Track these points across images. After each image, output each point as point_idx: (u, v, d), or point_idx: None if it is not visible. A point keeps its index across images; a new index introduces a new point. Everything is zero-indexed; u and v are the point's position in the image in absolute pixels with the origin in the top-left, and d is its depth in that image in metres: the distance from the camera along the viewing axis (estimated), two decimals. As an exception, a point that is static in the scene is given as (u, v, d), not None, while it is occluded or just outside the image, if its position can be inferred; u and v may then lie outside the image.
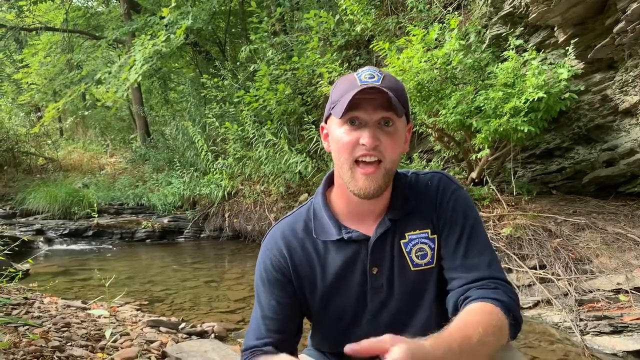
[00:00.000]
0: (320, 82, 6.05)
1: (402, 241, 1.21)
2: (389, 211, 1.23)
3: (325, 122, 1.24)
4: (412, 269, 1.21)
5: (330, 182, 1.31)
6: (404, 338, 0.85)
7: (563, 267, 3.56)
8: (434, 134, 4.92)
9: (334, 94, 1.18)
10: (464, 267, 1.16)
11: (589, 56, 3.97)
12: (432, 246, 1.21)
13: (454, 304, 1.14)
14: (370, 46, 5.39)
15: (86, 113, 15.90)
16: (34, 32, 13.75)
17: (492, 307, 1.05)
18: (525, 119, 3.81)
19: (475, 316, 1.03)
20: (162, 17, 8.46)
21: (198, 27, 8.48)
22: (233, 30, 12.48)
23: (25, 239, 4.58)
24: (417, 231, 1.22)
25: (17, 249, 4.51)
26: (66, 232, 7.90)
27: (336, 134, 1.16)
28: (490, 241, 1.26)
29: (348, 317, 1.26)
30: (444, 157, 5.40)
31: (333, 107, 1.16)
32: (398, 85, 1.16)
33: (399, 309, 1.22)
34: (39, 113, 14.31)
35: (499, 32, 4.66)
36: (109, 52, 14.20)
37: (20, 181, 10.48)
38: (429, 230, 1.22)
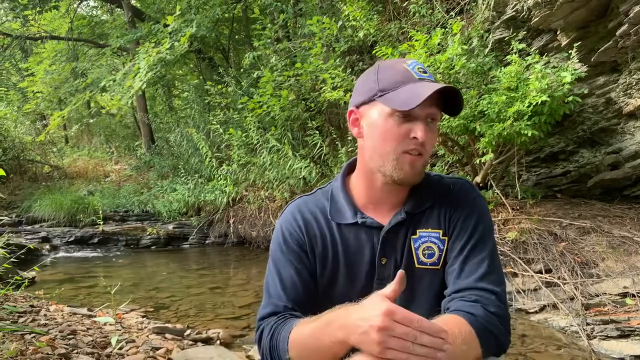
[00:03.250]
0: (323, 88, 6.06)
1: (412, 237, 1.22)
2: (406, 204, 1.24)
3: (358, 108, 1.23)
4: (417, 265, 1.22)
5: (351, 168, 1.32)
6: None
7: (569, 271, 3.55)
8: (437, 139, 4.92)
9: (384, 81, 1.16)
10: (458, 273, 1.17)
11: (592, 59, 3.96)
12: (442, 247, 1.22)
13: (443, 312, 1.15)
14: (373, 52, 5.40)
15: (91, 121, 16.04)
16: (39, 41, 13.85)
17: (459, 320, 1.03)
18: (529, 122, 3.80)
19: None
20: (166, 25, 8.51)
21: (202, 34, 8.52)
22: (236, 37, 12.53)
23: (31, 247, 4.61)
24: (429, 229, 1.23)
25: (23, 256, 4.54)
26: (72, 239, 7.92)
27: (383, 123, 1.16)
28: (497, 251, 1.25)
29: None
30: (448, 161, 5.40)
31: (383, 95, 1.15)
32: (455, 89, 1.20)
33: (399, 305, 1.22)
34: (44, 121, 14.40)
35: (501, 36, 4.67)
36: (114, 60, 14.28)
37: (26, 189, 10.53)
38: (440, 231, 1.22)
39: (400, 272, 0.93)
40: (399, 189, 1.24)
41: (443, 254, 1.22)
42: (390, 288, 0.92)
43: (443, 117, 4.34)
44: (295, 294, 1.23)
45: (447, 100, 1.16)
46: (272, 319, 1.19)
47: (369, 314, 0.88)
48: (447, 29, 4.68)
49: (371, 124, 1.19)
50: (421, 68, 1.16)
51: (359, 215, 1.24)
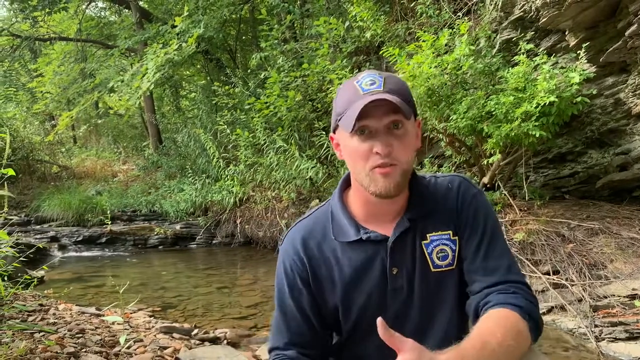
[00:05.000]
0: (330, 89, 6.07)
1: (423, 242, 1.22)
2: (407, 211, 1.23)
3: (334, 132, 1.24)
4: (433, 270, 1.21)
5: (347, 184, 1.32)
6: (423, 348, 0.92)
7: (577, 272, 3.53)
8: (445, 139, 4.91)
9: (338, 105, 1.18)
10: (484, 270, 1.17)
11: (601, 60, 3.94)
12: (454, 248, 1.22)
13: (475, 308, 1.15)
14: (380, 52, 5.40)
15: (99, 121, 16.11)
16: (48, 42, 13.95)
17: (510, 313, 1.07)
18: (537, 123, 3.78)
19: (492, 322, 1.05)
20: (173, 26, 8.55)
21: (209, 35, 8.55)
22: (244, 38, 12.58)
23: (40, 246, 4.63)
24: (439, 232, 1.22)
25: (32, 255, 4.57)
26: (80, 239, 7.98)
27: (349, 146, 1.17)
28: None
29: (369, 319, 1.23)
30: (455, 162, 5.38)
31: (339, 119, 1.16)
32: (401, 86, 1.16)
33: (421, 312, 1.22)
34: (53, 121, 14.49)
35: (509, 36, 4.65)
36: (122, 61, 14.36)
37: (34, 189, 10.61)
38: (450, 232, 1.22)
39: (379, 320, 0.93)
40: (395, 199, 1.21)
41: (456, 254, 1.22)
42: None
43: (450, 118, 4.34)
44: (297, 330, 1.27)
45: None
46: (272, 355, 1.27)
47: None
48: (454, 30, 4.67)
49: (343, 147, 1.21)
50: (372, 79, 1.14)
51: (362, 231, 1.23)
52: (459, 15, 5.27)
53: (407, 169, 1.17)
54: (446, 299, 1.22)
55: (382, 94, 1.10)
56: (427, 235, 1.22)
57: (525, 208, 4.46)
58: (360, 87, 1.13)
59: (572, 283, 3.47)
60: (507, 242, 1.29)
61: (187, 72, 14.40)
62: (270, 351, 1.29)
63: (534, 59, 4.03)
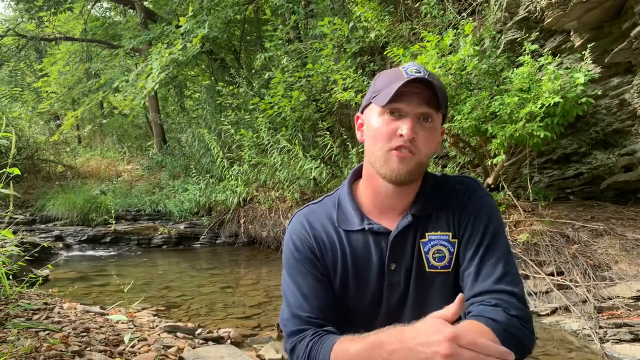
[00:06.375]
0: (334, 89, 6.07)
1: (421, 240, 1.21)
2: (413, 206, 1.23)
3: (362, 112, 1.26)
4: (427, 269, 1.20)
5: (357, 175, 1.32)
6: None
7: (581, 273, 3.52)
8: (449, 140, 4.91)
9: (378, 84, 1.20)
10: (475, 276, 1.15)
11: (606, 60, 3.93)
12: (452, 250, 1.20)
13: (464, 316, 1.13)
14: (385, 52, 5.40)
15: (104, 121, 16.17)
16: (53, 42, 14.02)
17: (481, 327, 1.02)
18: (542, 124, 3.78)
19: None
20: (178, 26, 8.57)
21: (214, 35, 8.57)
22: (248, 38, 12.60)
23: (45, 245, 4.65)
24: (439, 232, 1.21)
25: (37, 254, 4.60)
26: (84, 238, 8.01)
27: (374, 122, 1.18)
28: (511, 249, 1.23)
29: (364, 312, 1.24)
30: (460, 162, 5.38)
31: (375, 96, 1.18)
32: (441, 84, 1.18)
33: (413, 310, 1.21)
34: (58, 121, 14.56)
35: (514, 37, 4.64)
36: (126, 61, 14.41)
37: (39, 188, 10.64)
38: (450, 234, 1.21)
39: (460, 295, 0.91)
40: (404, 193, 1.22)
41: (454, 257, 1.20)
42: (451, 310, 0.90)
43: (454, 118, 4.33)
44: (318, 303, 1.20)
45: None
46: (305, 335, 1.15)
47: (431, 339, 0.85)
48: (459, 30, 4.67)
49: (368, 125, 1.22)
50: (417, 69, 1.15)
51: (365, 221, 1.23)
52: (464, 16, 5.26)
53: (424, 162, 1.18)
54: (438, 301, 1.18)
55: (412, 77, 1.12)
56: (426, 234, 1.21)
57: (530, 209, 4.45)
58: (405, 72, 1.15)
59: (577, 284, 3.46)
60: (510, 247, 1.24)
61: (192, 72, 14.44)
62: (297, 332, 1.17)
63: (538, 59, 4.02)
